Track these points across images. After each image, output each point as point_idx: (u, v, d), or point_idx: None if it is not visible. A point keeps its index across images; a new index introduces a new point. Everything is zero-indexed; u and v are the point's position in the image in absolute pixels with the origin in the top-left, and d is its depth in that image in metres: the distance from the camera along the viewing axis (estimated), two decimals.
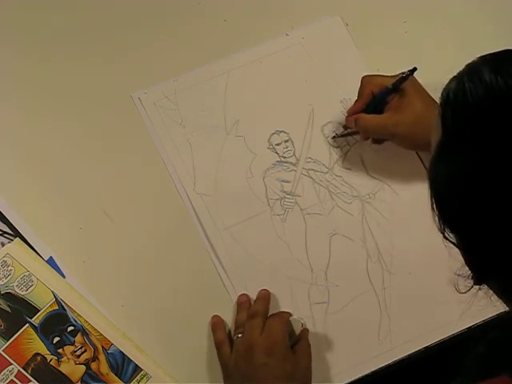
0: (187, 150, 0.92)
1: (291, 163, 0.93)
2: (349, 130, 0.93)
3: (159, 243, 0.89)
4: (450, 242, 0.60)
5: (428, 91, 0.93)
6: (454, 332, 0.88)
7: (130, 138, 0.93)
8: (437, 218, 0.59)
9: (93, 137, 0.93)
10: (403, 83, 0.87)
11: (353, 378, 0.86)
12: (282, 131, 0.94)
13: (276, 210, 0.91)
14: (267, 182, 0.92)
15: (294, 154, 0.93)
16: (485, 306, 0.89)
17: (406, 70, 0.87)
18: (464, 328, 0.88)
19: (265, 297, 0.86)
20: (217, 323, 0.86)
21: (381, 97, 0.88)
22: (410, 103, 0.86)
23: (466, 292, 0.63)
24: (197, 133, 0.93)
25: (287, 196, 0.91)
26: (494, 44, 0.99)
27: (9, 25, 0.97)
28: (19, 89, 0.94)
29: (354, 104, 0.90)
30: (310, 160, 0.93)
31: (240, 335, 0.82)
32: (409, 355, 0.87)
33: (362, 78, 0.90)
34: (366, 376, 0.86)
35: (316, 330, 0.87)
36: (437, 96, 0.97)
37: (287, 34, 0.98)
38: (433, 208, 0.60)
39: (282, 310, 0.87)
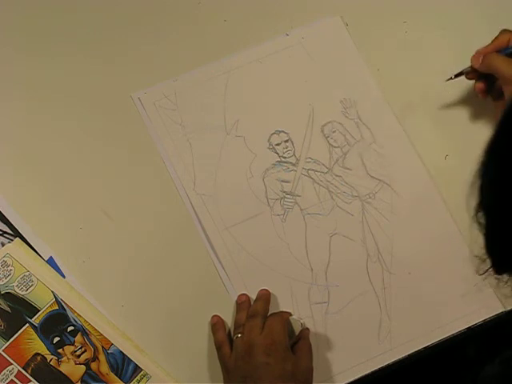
0: (187, 150, 0.92)
1: (291, 163, 0.93)
2: (465, 70, 0.91)
3: (159, 243, 0.89)
4: (478, 224, 0.57)
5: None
6: (453, 332, 0.88)
7: (130, 138, 0.93)
8: (475, 198, 0.56)
9: (93, 137, 0.92)
10: None
11: (353, 378, 0.86)
12: (282, 131, 0.94)
13: (276, 210, 0.91)
14: (267, 182, 0.92)
15: (293, 154, 0.93)
16: (485, 305, 0.89)
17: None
18: (464, 328, 0.88)
19: (265, 296, 0.86)
20: (217, 323, 0.86)
21: None
22: None
23: (483, 274, 0.61)
24: (197, 133, 0.93)
25: (287, 196, 0.91)
26: None
27: (9, 25, 0.97)
28: (19, 89, 0.94)
29: (485, 47, 0.89)
30: (309, 160, 0.93)
31: (240, 335, 0.82)
32: (409, 355, 0.87)
33: (503, 30, 0.89)
34: (366, 376, 0.86)
35: (316, 330, 0.87)
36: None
37: (287, 34, 0.98)
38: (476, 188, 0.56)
39: (282, 310, 0.87)
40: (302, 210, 0.91)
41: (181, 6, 0.99)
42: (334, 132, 0.94)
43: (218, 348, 0.84)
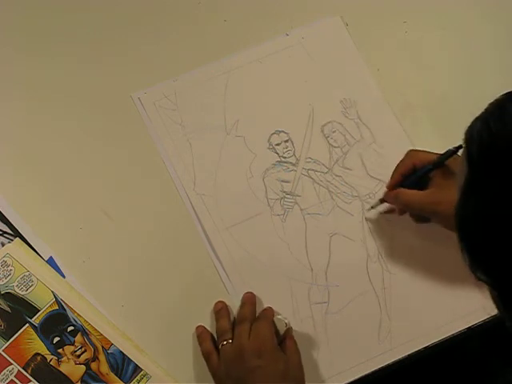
0: (187, 150, 0.92)
1: (291, 163, 0.93)
2: (385, 205, 0.90)
3: (159, 243, 0.89)
4: (483, 281, 0.57)
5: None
6: (454, 332, 0.88)
7: (130, 138, 0.93)
8: (467, 260, 0.57)
9: (93, 137, 0.93)
10: (447, 159, 0.83)
11: (353, 378, 0.86)
12: (282, 131, 0.94)
13: (276, 210, 0.91)
14: (267, 182, 0.92)
15: (293, 153, 0.93)
16: (485, 305, 0.89)
17: (451, 146, 0.83)
18: (464, 328, 0.88)
19: (251, 300, 0.86)
20: (202, 333, 0.85)
21: (423, 171, 0.85)
22: (455, 182, 0.83)
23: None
24: (197, 133, 0.93)
25: (287, 196, 0.91)
26: (494, 44, 1.00)
27: (9, 25, 0.97)
28: (19, 89, 0.94)
29: (392, 176, 0.87)
30: (309, 160, 0.93)
31: (225, 342, 0.82)
32: (409, 355, 0.87)
33: (408, 151, 0.87)
34: (366, 376, 0.86)
35: (316, 330, 0.87)
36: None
37: (287, 34, 0.98)
38: (462, 250, 0.57)
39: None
40: (302, 209, 0.91)
41: (181, 6, 0.99)
42: (334, 132, 0.94)
43: (207, 358, 0.84)
